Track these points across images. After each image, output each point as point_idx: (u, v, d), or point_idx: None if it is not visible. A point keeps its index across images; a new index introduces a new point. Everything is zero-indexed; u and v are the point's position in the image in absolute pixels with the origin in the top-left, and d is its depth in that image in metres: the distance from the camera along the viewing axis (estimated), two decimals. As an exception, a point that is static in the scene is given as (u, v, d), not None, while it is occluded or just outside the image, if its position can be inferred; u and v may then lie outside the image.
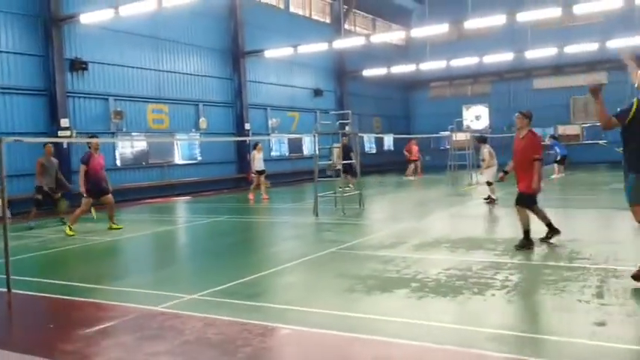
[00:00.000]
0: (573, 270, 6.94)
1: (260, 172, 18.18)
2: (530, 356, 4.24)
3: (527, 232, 8.41)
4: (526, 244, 8.33)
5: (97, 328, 5.29)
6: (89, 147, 12.23)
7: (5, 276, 6.71)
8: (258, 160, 18.17)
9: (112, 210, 12.39)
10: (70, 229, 11.64)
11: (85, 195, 11.86)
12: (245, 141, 24.01)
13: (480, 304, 5.71)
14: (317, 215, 13.32)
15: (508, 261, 7.60)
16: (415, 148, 27.97)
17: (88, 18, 17.24)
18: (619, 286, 6.10)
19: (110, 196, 12.34)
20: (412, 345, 4.63)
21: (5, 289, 6.66)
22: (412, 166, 27.77)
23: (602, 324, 4.90)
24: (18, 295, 6.64)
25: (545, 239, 8.67)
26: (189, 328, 5.17)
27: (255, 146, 18.74)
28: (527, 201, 8.50)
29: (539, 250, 8.30)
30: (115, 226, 12.28)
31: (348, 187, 17.54)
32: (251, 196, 18.12)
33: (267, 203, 17.51)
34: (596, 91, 6.13)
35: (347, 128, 18.49)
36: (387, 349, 4.57)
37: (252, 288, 6.81)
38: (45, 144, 13.86)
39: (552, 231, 8.69)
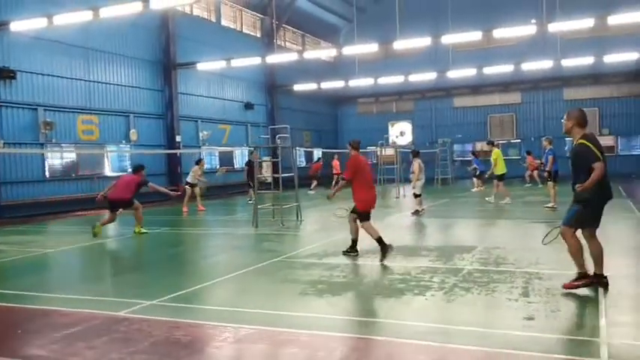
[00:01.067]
0: (501, 273, 7.67)
1: (192, 185, 18.36)
2: (473, 346, 4.83)
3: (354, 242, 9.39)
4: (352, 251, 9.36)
5: (65, 332, 5.47)
6: None
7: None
8: (198, 175, 18.35)
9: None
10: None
11: None
12: (175, 153, 23.96)
13: (422, 303, 6.29)
14: (257, 227, 13.66)
15: (442, 266, 8.27)
16: (337, 163, 28.68)
17: (18, 26, 16.86)
18: (542, 286, 6.86)
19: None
20: (365, 338, 5.14)
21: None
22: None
23: (530, 318, 5.57)
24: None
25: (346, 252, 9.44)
26: (156, 330, 5.45)
27: (198, 162, 18.81)
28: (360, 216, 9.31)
29: (469, 256, 9.03)
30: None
31: (251, 200, 19.17)
32: (185, 208, 18.19)
33: (204, 215, 17.65)
34: (570, 130, 6.94)
35: (278, 142, 18.92)
36: (347, 343, 5.05)
37: (207, 294, 7.13)
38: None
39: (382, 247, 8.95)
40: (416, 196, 15.76)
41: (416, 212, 15.51)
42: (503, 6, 32.37)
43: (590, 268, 6.63)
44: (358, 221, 9.28)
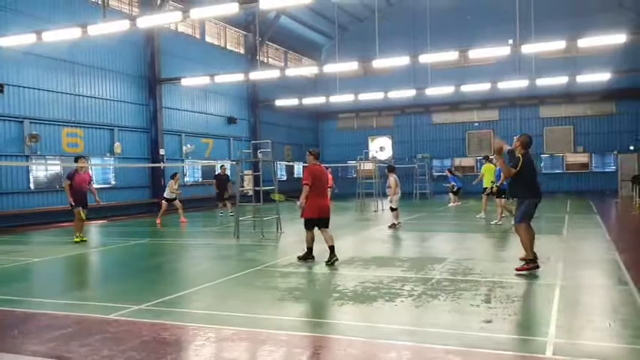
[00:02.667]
0: (467, 282, 8.23)
1: (169, 200, 18.77)
2: (435, 344, 5.37)
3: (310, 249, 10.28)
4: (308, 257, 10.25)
5: (59, 332, 5.89)
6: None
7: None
8: (173, 190, 18.74)
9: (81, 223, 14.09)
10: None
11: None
12: (159, 166, 24.34)
13: (392, 308, 6.81)
14: (238, 238, 14.11)
15: (413, 275, 8.80)
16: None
17: (8, 42, 17.24)
18: (503, 294, 7.42)
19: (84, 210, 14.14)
20: (336, 337, 5.64)
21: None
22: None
23: (489, 321, 6.12)
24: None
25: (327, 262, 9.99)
26: (144, 331, 5.90)
27: (173, 176, 19.21)
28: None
29: (439, 267, 9.58)
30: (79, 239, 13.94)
31: (222, 212, 20.98)
32: (158, 220, 18.53)
33: (186, 227, 18.05)
34: (499, 151, 8.98)
35: (259, 155, 19.41)
36: (321, 342, 5.56)
37: (191, 299, 7.59)
38: None
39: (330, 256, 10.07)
40: (392, 209, 16.33)
41: (392, 225, 16.06)
42: (479, 26, 33.39)
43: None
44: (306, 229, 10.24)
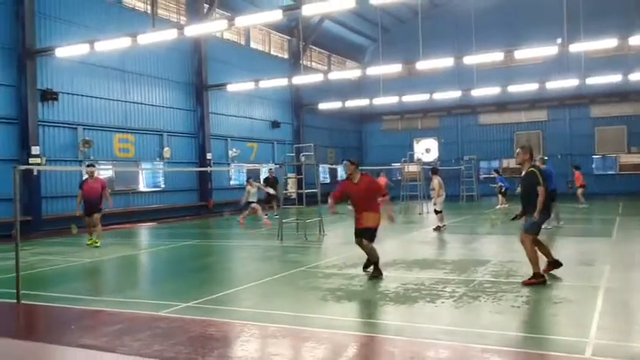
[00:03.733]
0: (510, 284, 8.23)
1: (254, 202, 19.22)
2: (472, 344, 5.45)
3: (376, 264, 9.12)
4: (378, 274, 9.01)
5: (112, 328, 6.24)
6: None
7: (15, 290, 7.57)
8: (252, 194, 19.13)
9: (97, 228, 14.33)
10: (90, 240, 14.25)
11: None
12: (206, 170, 24.92)
13: (432, 309, 6.91)
14: (281, 240, 14.38)
15: (455, 277, 8.85)
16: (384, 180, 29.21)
17: (63, 52, 18.02)
18: (545, 295, 7.42)
19: (97, 215, 14.27)
20: (376, 336, 5.78)
21: (15, 301, 7.51)
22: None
23: (528, 322, 6.16)
24: (29, 306, 7.51)
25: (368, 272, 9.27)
26: (192, 327, 6.19)
27: (247, 180, 19.69)
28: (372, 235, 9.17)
29: (482, 269, 9.58)
30: (96, 244, 14.09)
31: (276, 214, 20.24)
32: (267, 222, 18.90)
33: (229, 229, 18.45)
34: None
35: (303, 159, 19.69)
36: (360, 340, 5.71)
37: (237, 298, 7.87)
38: None
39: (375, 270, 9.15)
40: (437, 212, 16.31)
41: (437, 228, 16.05)
42: (526, 25, 32.88)
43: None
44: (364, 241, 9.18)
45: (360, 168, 9.56)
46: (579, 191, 23.87)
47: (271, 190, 19.57)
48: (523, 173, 8.64)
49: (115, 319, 6.72)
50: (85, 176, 14.77)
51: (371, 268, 9.20)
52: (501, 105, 37.03)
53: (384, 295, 7.63)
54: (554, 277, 8.54)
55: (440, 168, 17.91)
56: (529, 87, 30.14)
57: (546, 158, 16.63)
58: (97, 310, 7.28)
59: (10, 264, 11.19)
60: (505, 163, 37.62)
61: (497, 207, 24.10)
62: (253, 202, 19.09)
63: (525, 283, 8.08)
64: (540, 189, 8.23)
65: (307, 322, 6.36)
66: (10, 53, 18.16)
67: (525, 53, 23.35)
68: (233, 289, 8.50)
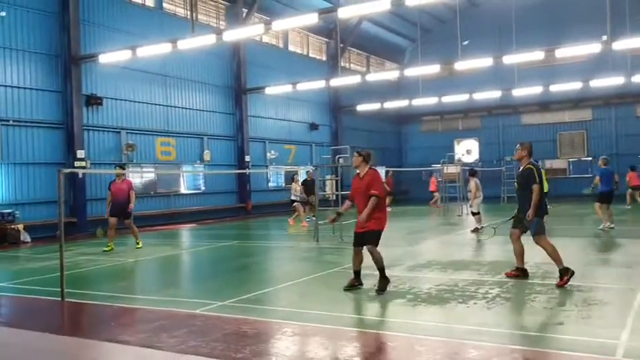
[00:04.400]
0: (544, 286, 8.16)
1: (298, 201, 19.54)
2: (505, 344, 5.47)
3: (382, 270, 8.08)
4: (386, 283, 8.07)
5: (151, 325, 6.48)
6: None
7: (60, 288, 7.91)
8: (297, 191, 19.52)
9: (133, 231, 14.28)
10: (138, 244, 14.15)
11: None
12: (245, 172, 25.29)
13: (464, 310, 6.92)
14: (317, 241, 14.51)
15: (489, 279, 8.81)
16: (434, 181, 29.17)
17: (106, 58, 18.59)
18: (580, 297, 7.34)
19: (128, 221, 14.07)
20: (406, 336, 5.85)
21: (59, 299, 7.85)
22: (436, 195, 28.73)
23: (560, 323, 6.12)
24: (73, 304, 7.84)
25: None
26: (227, 325, 6.38)
27: (292, 178, 20.08)
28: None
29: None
30: (137, 245, 14.15)
31: (311, 216, 20.07)
32: (304, 223, 19.45)
33: (267, 230, 18.70)
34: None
35: (341, 160, 19.78)
36: (392, 339, 5.78)
37: (272, 297, 8.05)
38: None
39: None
40: (474, 214, 16.18)
41: (475, 230, 15.92)
42: (568, 22, 32.21)
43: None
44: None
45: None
46: (630, 192, 23.36)
47: (297, 193, 19.75)
48: (520, 169, 8.74)
49: (154, 316, 6.97)
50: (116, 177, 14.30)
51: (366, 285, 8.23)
52: (544, 104, 36.37)
53: (417, 296, 7.67)
54: (592, 279, 8.42)
55: (479, 169, 17.76)
56: (572, 86, 29.51)
57: (608, 159, 16.32)
58: (136, 307, 7.57)
59: (54, 263, 11.70)
60: (548, 163, 36.88)
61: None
62: (296, 200, 19.37)
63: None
64: (535, 187, 8.28)
65: (340, 322, 6.47)
66: (56, 60, 18.84)
67: (568, 51, 22.86)
68: (269, 289, 8.68)
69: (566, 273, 8.03)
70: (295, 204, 19.58)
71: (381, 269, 8.04)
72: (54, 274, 9.90)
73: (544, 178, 17.71)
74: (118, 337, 6.02)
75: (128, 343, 5.74)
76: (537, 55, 22.13)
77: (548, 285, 8.16)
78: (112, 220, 13.90)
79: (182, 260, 13.26)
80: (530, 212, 8.28)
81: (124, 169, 14.76)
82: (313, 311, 7.02)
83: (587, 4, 30.47)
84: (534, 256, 11.26)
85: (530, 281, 8.54)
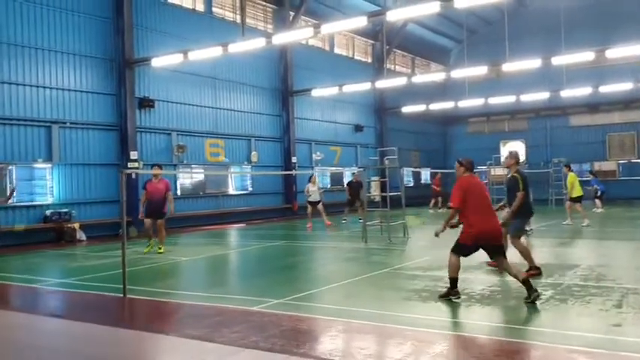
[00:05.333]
0: (599, 288, 8.08)
1: (313, 204, 19.72)
2: (558, 344, 5.50)
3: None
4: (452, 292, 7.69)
5: (210, 321, 6.73)
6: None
7: (122, 285, 8.27)
8: (312, 193, 19.73)
9: (160, 234, 13.38)
10: (160, 248, 13.40)
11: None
12: (291, 173, 25.59)
13: (517, 310, 6.95)
14: (366, 242, 14.62)
15: (542, 280, 8.77)
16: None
17: (158, 62, 19.14)
18: (637, 300, 7.26)
19: (160, 221, 13.29)
20: (461, 335, 5.93)
21: (121, 295, 8.21)
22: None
23: (617, 325, 6.09)
24: (134, 299, 8.19)
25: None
26: (284, 321, 6.56)
27: (310, 179, 20.23)
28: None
29: (570, 272, 9.44)
30: (159, 250, 13.35)
31: (345, 219, 21.32)
32: (309, 224, 19.75)
33: (314, 230, 18.89)
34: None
35: (386, 162, 19.84)
36: (446, 338, 5.88)
37: (325, 296, 8.22)
38: None
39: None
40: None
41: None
42: (618, 22, 31.41)
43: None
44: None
45: (462, 170, 7.87)
46: None
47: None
48: (508, 176, 9.56)
49: (211, 312, 7.22)
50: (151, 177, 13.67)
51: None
52: (593, 106, 35.58)
53: (470, 297, 7.72)
54: (648, 283, 8.31)
55: (526, 172, 17.54)
56: (623, 87, 28.81)
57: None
58: (193, 304, 7.83)
59: (111, 261, 12.16)
60: (597, 166, 36.04)
61: (595, 210, 23.15)
62: (313, 201, 19.59)
63: (524, 275, 7.52)
64: (520, 195, 9.09)
65: (393, 320, 6.59)
66: (111, 64, 19.49)
67: (618, 52, 22.36)
68: (320, 288, 8.85)
69: (535, 269, 9.01)
70: (318, 205, 19.84)
71: (450, 278, 7.68)
72: (112, 272, 10.37)
73: (571, 182, 17.94)
74: (182, 331, 6.28)
75: (193, 337, 5.99)
76: (587, 55, 21.73)
77: (603, 287, 8.09)
78: (148, 221, 13.25)
79: (232, 259, 13.58)
80: (507, 216, 9.20)
81: (161, 168, 13.97)
82: (366, 310, 7.14)
83: (637, 3, 29.70)
84: (586, 258, 11.17)
85: (583, 283, 8.47)
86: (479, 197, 7.61)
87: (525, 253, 9.17)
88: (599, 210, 23.05)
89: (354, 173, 23.27)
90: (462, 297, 7.70)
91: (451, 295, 7.58)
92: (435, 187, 28.67)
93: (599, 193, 23.41)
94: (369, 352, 5.48)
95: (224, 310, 7.27)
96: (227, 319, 6.80)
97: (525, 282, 7.26)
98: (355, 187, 21.94)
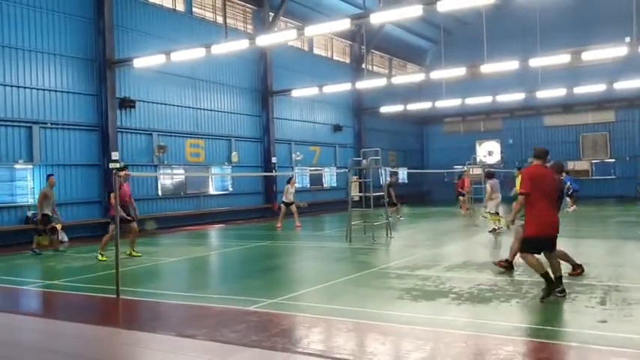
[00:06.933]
0: (583, 286, 8.36)
1: (287, 204, 19.87)
2: (546, 340, 5.74)
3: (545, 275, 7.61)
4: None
5: (208, 321, 6.83)
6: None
7: (114, 286, 8.30)
8: (289, 193, 19.85)
9: (134, 237, 13.05)
10: (102, 255, 12.54)
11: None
12: (271, 174, 25.66)
13: (507, 308, 7.17)
14: (350, 241, 14.79)
15: (528, 279, 9.03)
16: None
17: (140, 62, 19.05)
18: (619, 297, 7.55)
19: (134, 224, 12.93)
20: (457, 333, 6.12)
21: (114, 296, 8.24)
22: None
23: (603, 321, 6.35)
24: (128, 300, 8.22)
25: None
26: (282, 321, 6.70)
27: (289, 180, 20.33)
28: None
29: (553, 270, 9.71)
30: (135, 253, 12.97)
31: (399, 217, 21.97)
32: (279, 224, 19.74)
33: (300, 231, 19.02)
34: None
35: (363, 162, 19.93)
36: (437, 335, 6.07)
37: (317, 296, 8.36)
38: (49, 176, 15.37)
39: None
40: (491, 214, 16.36)
41: (493, 230, 16.09)
42: (593, 25, 32.15)
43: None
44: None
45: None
46: None
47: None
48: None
49: (208, 312, 7.31)
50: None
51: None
52: (567, 106, 36.34)
53: (459, 295, 7.92)
54: (628, 280, 8.62)
55: (495, 171, 18.01)
56: (596, 88, 29.46)
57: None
58: (189, 304, 7.90)
59: (95, 262, 12.13)
60: (571, 165, 36.78)
61: (568, 209, 23.67)
62: (288, 202, 19.76)
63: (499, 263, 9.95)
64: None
65: (385, 318, 6.76)
66: (92, 64, 19.34)
67: (593, 54, 22.85)
68: (312, 288, 8.96)
69: (507, 262, 9.87)
70: (292, 206, 20.00)
71: (542, 275, 7.58)
72: (99, 273, 10.39)
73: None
74: (183, 332, 6.36)
75: (194, 337, 6.07)
76: (563, 58, 22.21)
77: (586, 285, 8.37)
78: (133, 224, 12.88)
79: (220, 260, 13.59)
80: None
81: (126, 169, 13.52)
82: (358, 309, 7.30)
83: (612, 6, 30.41)
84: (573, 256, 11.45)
85: (568, 281, 8.72)
86: (545, 187, 7.68)
87: (513, 246, 9.81)
88: (572, 209, 23.56)
89: (391, 174, 23.55)
90: (452, 295, 7.91)
91: (554, 294, 7.46)
92: (460, 189, 27.28)
93: (570, 191, 23.90)
94: (371, 350, 5.62)
95: (221, 311, 7.37)
96: (226, 319, 6.90)
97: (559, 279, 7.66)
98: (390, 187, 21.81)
